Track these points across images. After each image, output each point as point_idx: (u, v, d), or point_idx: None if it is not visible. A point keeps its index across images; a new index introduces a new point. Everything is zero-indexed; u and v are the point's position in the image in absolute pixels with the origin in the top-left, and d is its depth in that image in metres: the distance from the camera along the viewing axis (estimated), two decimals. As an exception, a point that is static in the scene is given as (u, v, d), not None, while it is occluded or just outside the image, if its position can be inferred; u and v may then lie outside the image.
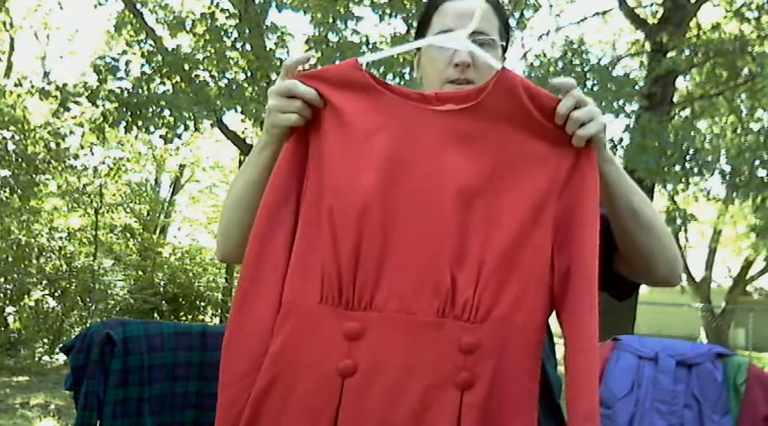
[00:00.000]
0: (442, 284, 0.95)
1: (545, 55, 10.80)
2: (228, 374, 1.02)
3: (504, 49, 1.26)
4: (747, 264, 16.51)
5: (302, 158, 1.04)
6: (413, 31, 9.04)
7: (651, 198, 10.60)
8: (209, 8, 8.35)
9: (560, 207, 0.98)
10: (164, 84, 8.20)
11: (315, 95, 1.03)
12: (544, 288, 0.97)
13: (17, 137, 9.74)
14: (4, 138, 9.54)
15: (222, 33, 8.18)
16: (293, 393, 0.96)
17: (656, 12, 11.92)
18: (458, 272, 0.95)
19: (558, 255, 0.98)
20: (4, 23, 12.28)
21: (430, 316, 0.95)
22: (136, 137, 11.39)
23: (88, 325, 7.72)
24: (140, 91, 8.00)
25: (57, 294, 10.21)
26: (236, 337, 1.01)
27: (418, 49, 1.28)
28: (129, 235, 14.15)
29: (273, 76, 8.33)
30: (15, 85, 9.63)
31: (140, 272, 12.68)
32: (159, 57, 8.04)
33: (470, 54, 1.16)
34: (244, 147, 10.19)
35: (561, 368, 1.09)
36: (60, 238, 11.25)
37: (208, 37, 8.24)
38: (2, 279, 9.91)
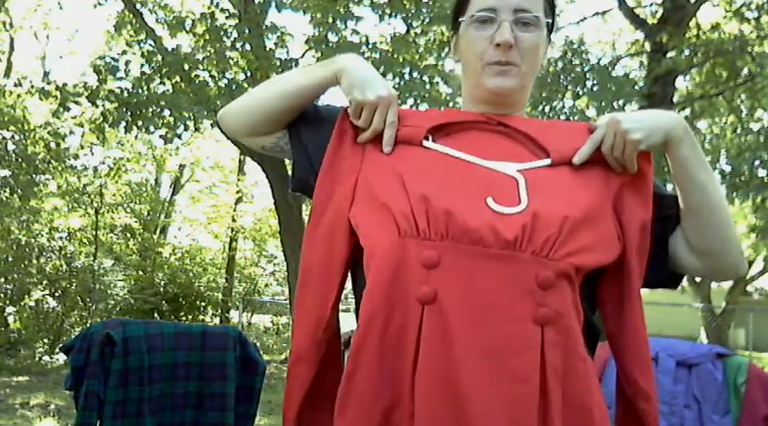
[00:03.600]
0: (523, 223, 0.98)
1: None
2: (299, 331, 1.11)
3: (550, 29, 1.20)
4: (748, 264, 16.52)
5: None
6: (413, 32, 9.06)
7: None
8: (209, 8, 8.35)
9: (616, 202, 1.08)
10: (164, 84, 8.20)
11: (391, 137, 1.12)
12: (611, 252, 1.03)
13: (17, 137, 9.74)
14: (4, 138, 9.55)
15: (222, 33, 8.18)
16: (388, 324, 0.97)
17: (656, 12, 11.91)
18: (540, 216, 0.99)
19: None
20: (4, 23, 12.28)
21: (506, 249, 0.96)
22: (136, 137, 11.39)
23: (88, 325, 7.73)
24: (140, 91, 8.00)
25: (57, 294, 10.22)
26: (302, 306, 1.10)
27: (455, 31, 1.22)
28: (129, 235, 14.16)
29: (273, 76, 8.33)
30: (15, 85, 9.63)
31: (140, 272, 12.68)
32: (159, 57, 8.04)
33: (513, 33, 1.12)
34: (244, 147, 10.19)
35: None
36: (60, 238, 11.26)
37: (208, 37, 8.23)
38: (2, 279, 9.91)
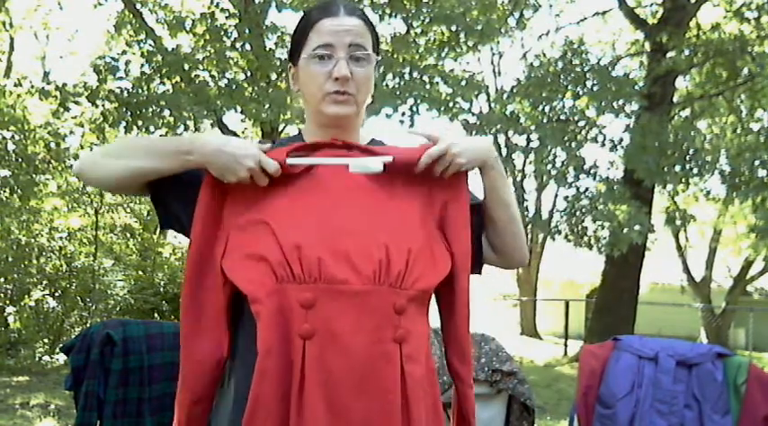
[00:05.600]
0: (379, 259, 1.18)
1: (545, 55, 10.81)
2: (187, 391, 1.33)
3: (377, 64, 1.38)
4: (747, 264, 16.49)
5: (218, 207, 1.27)
6: (413, 32, 9.06)
7: (651, 198, 10.62)
8: (209, 8, 8.35)
9: (441, 219, 1.31)
10: (164, 83, 8.20)
11: (277, 169, 1.24)
12: (446, 267, 1.27)
13: (17, 137, 9.74)
14: (4, 138, 9.54)
15: (222, 33, 8.18)
16: (281, 356, 1.15)
17: (656, 12, 11.91)
18: (391, 251, 1.19)
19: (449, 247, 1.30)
20: (4, 23, 12.27)
21: (368, 285, 1.17)
22: (136, 137, 11.39)
23: (88, 325, 7.73)
24: (140, 91, 8.00)
25: (57, 294, 10.21)
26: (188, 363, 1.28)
27: (293, 64, 1.39)
28: (129, 234, 14.15)
29: (273, 76, 8.33)
30: (15, 85, 9.63)
31: (140, 272, 12.67)
32: (159, 57, 8.03)
33: (348, 68, 1.30)
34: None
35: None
36: (60, 238, 11.25)
37: (208, 37, 8.24)
38: (2, 279, 9.91)
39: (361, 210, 1.24)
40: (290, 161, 1.25)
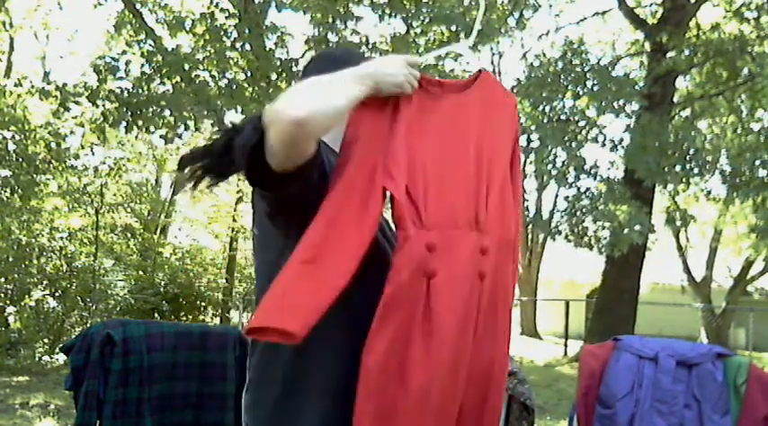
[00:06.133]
0: (472, 211, 1.42)
1: (545, 55, 10.81)
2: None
3: None
4: (748, 264, 16.49)
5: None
6: (413, 32, 9.05)
7: (652, 198, 10.61)
8: (209, 8, 8.34)
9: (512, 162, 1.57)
10: (164, 84, 8.19)
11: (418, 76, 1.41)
12: (516, 211, 1.54)
13: (17, 137, 9.74)
14: (4, 138, 9.54)
15: (222, 33, 8.18)
16: (410, 292, 1.34)
17: (656, 12, 11.91)
18: (479, 202, 1.43)
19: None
20: (4, 23, 12.27)
21: (467, 230, 1.40)
22: (136, 137, 11.39)
23: (88, 325, 7.73)
24: (140, 91, 8.00)
25: (57, 294, 10.21)
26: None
27: None
28: (129, 235, 14.16)
29: (273, 76, 8.33)
30: (15, 85, 9.64)
31: (141, 272, 12.68)
32: (159, 57, 8.03)
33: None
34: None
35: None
36: (61, 238, 11.25)
37: (208, 37, 8.23)
38: (2, 279, 9.91)
39: (470, 153, 1.45)
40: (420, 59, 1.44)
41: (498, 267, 1.45)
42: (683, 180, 9.96)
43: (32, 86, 8.71)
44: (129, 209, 14.25)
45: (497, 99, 1.55)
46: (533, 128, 9.71)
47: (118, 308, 10.84)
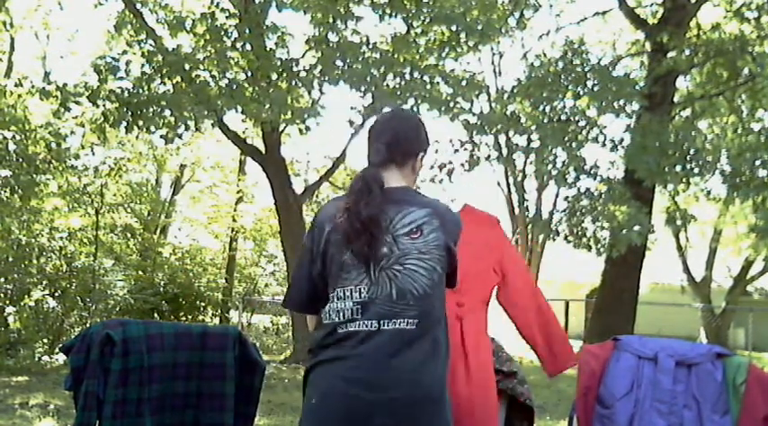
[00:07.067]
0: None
1: (545, 55, 10.80)
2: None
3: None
4: (748, 264, 16.50)
5: None
6: (413, 32, 9.04)
7: (651, 198, 10.62)
8: (209, 8, 8.35)
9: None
10: (164, 84, 8.20)
11: None
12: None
13: (18, 137, 9.74)
14: (4, 138, 9.54)
15: (222, 33, 8.18)
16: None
17: (656, 12, 11.91)
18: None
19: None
20: (4, 23, 12.26)
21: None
22: (137, 137, 11.39)
23: (88, 325, 7.73)
24: (141, 91, 8.00)
25: (57, 294, 10.21)
26: None
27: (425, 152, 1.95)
28: (129, 235, 14.16)
29: (274, 76, 8.33)
30: (16, 85, 9.63)
31: (141, 272, 12.68)
32: (159, 57, 8.04)
33: None
34: (244, 147, 10.18)
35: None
36: (61, 238, 11.25)
37: (208, 37, 8.23)
38: (2, 279, 9.91)
39: None
40: None
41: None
42: (683, 180, 9.95)
43: (33, 86, 8.71)
44: (128, 209, 14.25)
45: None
46: (533, 128, 9.71)
47: (117, 308, 10.84)
